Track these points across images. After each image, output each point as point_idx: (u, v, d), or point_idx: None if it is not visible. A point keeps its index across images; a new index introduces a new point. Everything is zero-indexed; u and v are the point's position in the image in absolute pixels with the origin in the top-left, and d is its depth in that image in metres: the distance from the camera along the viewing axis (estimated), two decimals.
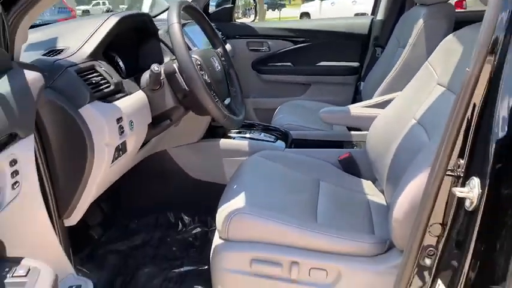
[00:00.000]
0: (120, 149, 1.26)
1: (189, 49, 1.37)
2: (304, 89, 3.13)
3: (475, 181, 0.90)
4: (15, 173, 0.76)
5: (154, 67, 1.35)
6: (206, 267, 1.70)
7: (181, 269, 1.72)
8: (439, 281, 1.04)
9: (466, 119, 0.93)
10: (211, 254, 1.32)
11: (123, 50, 1.55)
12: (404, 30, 2.35)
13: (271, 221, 1.26)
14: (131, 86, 1.38)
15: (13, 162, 0.76)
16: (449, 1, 2.21)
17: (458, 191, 0.92)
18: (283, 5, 21.08)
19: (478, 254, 0.95)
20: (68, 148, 1.10)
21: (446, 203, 1.00)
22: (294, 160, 1.74)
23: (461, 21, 1.82)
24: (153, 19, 1.70)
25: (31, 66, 0.97)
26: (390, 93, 2.08)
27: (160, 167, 1.96)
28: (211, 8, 3.15)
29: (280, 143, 1.99)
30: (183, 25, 1.56)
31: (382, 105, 1.87)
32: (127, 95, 1.32)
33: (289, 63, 3.11)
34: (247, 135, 2.00)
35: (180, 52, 1.28)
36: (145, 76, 1.42)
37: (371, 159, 1.64)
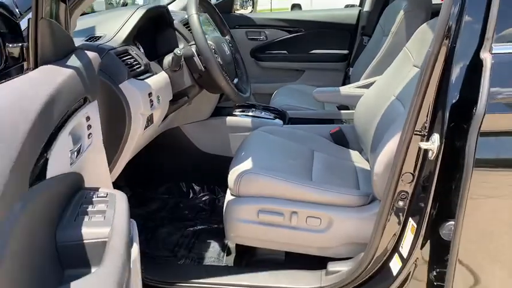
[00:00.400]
0: (149, 120, 1.50)
1: None
2: (298, 74, 3.36)
3: (436, 136, 1.16)
4: (89, 126, 1.01)
5: (177, 51, 1.59)
6: (216, 225, 1.96)
7: (196, 228, 1.96)
8: (410, 219, 1.31)
9: (428, 90, 1.18)
10: (224, 208, 1.56)
11: (143, 38, 1.78)
12: (388, 20, 2.58)
13: (275, 178, 1.50)
14: (155, 68, 1.62)
15: (87, 118, 1.00)
16: None
17: (423, 144, 1.18)
18: None
19: (437, 194, 1.22)
20: (111, 116, 1.33)
21: (416, 157, 1.26)
22: (291, 134, 1.98)
23: (438, 12, 2.06)
24: None
25: (86, 48, 1.21)
26: (375, 76, 2.29)
27: (173, 142, 2.17)
28: (212, 1, 3.37)
29: (279, 121, 2.22)
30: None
31: (368, 86, 2.08)
32: (154, 74, 1.55)
33: (284, 51, 3.33)
34: (250, 114, 2.22)
35: (199, 37, 1.52)
36: (168, 59, 1.66)
37: (358, 133, 1.88)
